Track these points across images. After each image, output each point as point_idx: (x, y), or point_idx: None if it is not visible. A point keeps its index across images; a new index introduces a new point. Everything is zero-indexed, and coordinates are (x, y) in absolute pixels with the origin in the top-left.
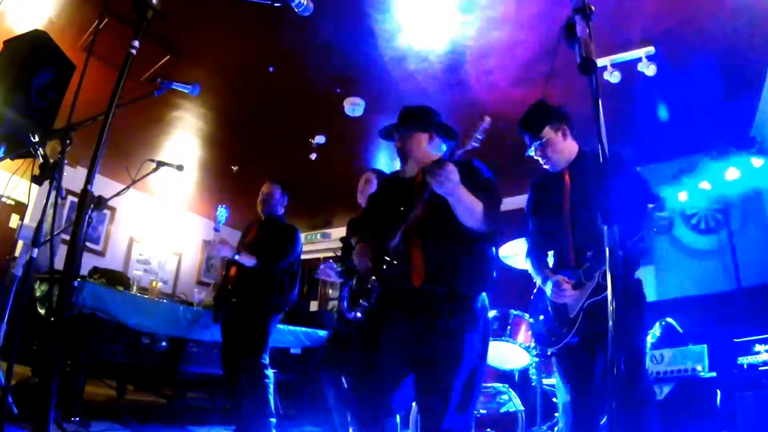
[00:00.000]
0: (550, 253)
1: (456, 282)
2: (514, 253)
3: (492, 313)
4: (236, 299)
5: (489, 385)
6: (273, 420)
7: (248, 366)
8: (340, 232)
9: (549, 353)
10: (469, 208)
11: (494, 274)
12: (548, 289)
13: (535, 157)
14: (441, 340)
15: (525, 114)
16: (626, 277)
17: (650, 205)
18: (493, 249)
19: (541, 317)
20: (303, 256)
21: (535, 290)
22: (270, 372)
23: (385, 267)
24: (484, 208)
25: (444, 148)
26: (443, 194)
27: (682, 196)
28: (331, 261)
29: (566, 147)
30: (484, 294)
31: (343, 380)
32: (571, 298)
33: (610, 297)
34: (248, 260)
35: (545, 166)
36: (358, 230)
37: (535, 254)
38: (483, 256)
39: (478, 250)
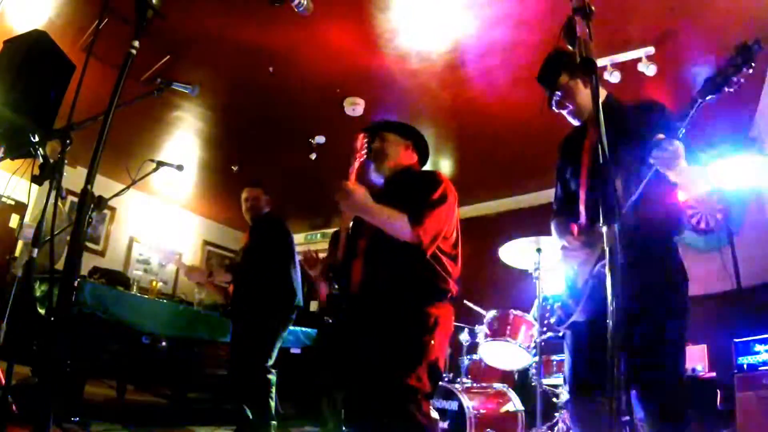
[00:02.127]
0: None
1: (389, 288)
2: (514, 253)
3: (492, 313)
4: (241, 313)
5: (489, 385)
6: (274, 423)
7: (251, 368)
8: None
9: (561, 334)
10: (383, 222)
11: (449, 289)
12: (563, 247)
13: (557, 111)
14: (378, 344)
15: (541, 66)
16: (665, 257)
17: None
18: (442, 257)
19: (561, 294)
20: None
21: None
22: (272, 376)
23: (333, 282)
24: (410, 218)
25: (414, 160)
26: (351, 212)
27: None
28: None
29: (586, 95)
30: (434, 300)
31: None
32: (578, 259)
33: (610, 297)
34: (223, 277)
35: (570, 120)
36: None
37: (557, 221)
38: (421, 262)
39: (416, 258)
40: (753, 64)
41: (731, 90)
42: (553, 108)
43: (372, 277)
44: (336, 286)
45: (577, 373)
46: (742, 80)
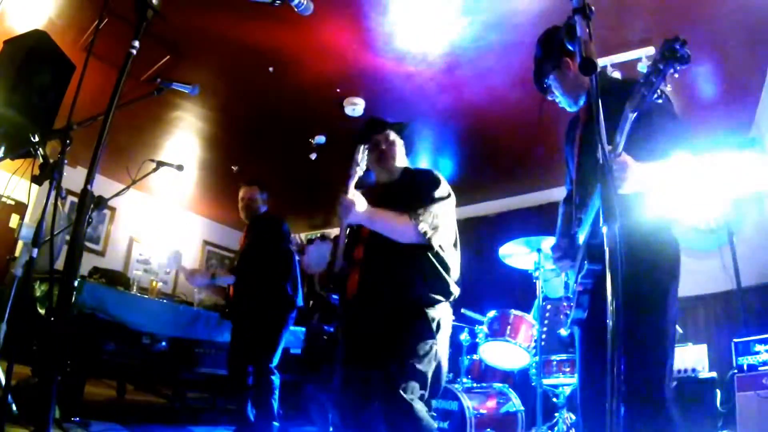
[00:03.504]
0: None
1: (389, 293)
2: (514, 253)
3: (492, 313)
4: (241, 314)
5: (489, 385)
6: (276, 424)
7: (256, 370)
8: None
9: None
10: (387, 227)
11: (450, 291)
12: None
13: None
14: (383, 346)
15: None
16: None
17: None
18: (451, 259)
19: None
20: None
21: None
22: (276, 378)
23: (330, 286)
24: (411, 216)
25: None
26: (354, 223)
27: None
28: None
29: (574, 80)
30: (437, 306)
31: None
32: (565, 268)
33: (610, 297)
34: (226, 279)
35: (568, 109)
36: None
37: (564, 207)
38: (431, 270)
39: (424, 265)
40: (678, 66)
41: (656, 99)
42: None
43: (371, 284)
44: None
45: (583, 372)
46: (668, 87)
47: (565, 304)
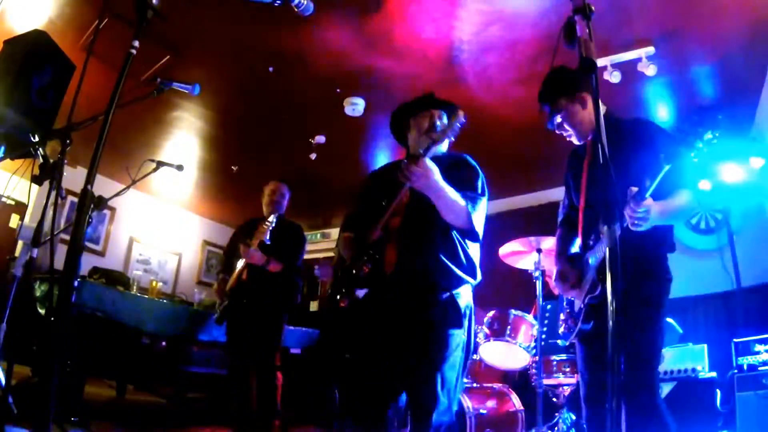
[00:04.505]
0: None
1: (427, 273)
2: (514, 253)
3: (492, 313)
4: (249, 301)
5: (489, 385)
6: (276, 423)
7: (261, 368)
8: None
9: (567, 344)
10: (449, 204)
11: (477, 273)
12: None
13: (557, 132)
14: (419, 331)
15: (542, 84)
16: (641, 257)
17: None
18: (474, 247)
19: (565, 305)
20: (303, 256)
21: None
22: (279, 376)
23: (364, 259)
24: (467, 206)
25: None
26: (420, 190)
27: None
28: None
29: (587, 115)
30: (465, 289)
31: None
32: (570, 295)
33: (610, 297)
34: (276, 266)
35: (571, 140)
36: (347, 227)
37: (561, 231)
38: (461, 251)
39: (456, 245)
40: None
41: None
42: (554, 129)
43: (407, 258)
44: (343, 290)
45: (586, 381)
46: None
47: (562, 316)
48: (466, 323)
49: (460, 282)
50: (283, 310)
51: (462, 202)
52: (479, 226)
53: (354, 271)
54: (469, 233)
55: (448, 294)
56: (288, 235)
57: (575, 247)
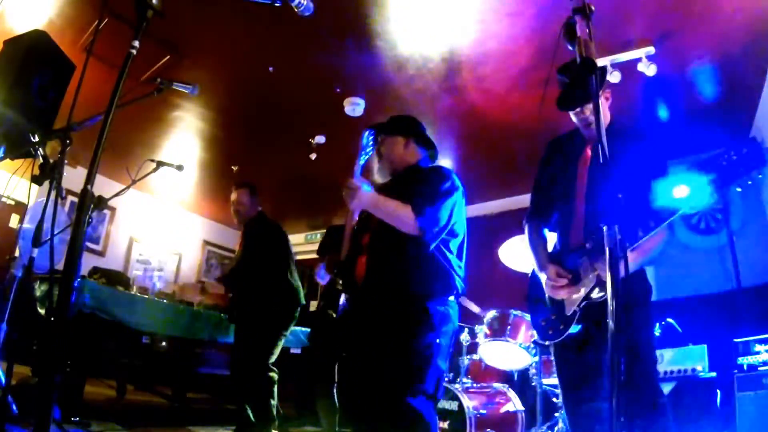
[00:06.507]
0: (553, 235)
1: (393, 282)
2: (513, 254)
3: (492, 313)
4: (243, 317)
5: (489, 385)
6: (275, 422)
7: (252, 367)
8: None
9: (547, 344)
10: (389, 213)
11: (454, 280)
12: (543, 278)
13: (576, 120)
14: (384, 341)
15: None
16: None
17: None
18: (446, 249)
19: (538, 304)
20: (303, 257)
21: (530, 271)
22: (274, 374)
23: (338, 273)
24: (413, 209)
25: (420, 156)
26: (356, 209)
27: None
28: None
29: (606, 113)
30: (438, 295)
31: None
32: (566, 295)
33: (610, 298)
34: (215, 290)
35: (581, 130)
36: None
37: (534, 225)
38: (435, 259)
39: (420, 252)
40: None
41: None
42: (574, 119)
43: (377, 271)
44: (340, 282)
45: (570, 381)
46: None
47: (552, 317)
48: (435, 331)
49: (430, 293)
50: (279, 310)
51: (403, 209)
52: (433, 223)
53: (335, 287)
54: (425, 233)
55: (417, 305)
56: (254, 239)
57: (551, 245)
